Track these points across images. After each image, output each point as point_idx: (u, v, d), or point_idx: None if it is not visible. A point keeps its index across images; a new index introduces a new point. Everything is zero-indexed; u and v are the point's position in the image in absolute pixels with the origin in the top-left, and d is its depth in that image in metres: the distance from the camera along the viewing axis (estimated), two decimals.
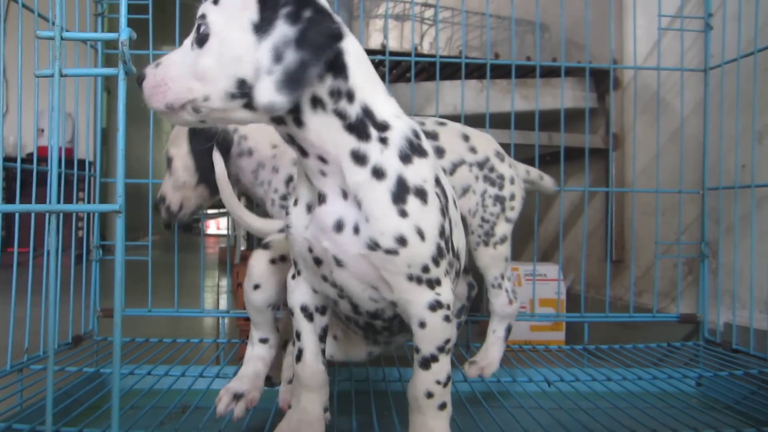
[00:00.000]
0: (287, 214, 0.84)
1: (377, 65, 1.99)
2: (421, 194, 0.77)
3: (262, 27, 0.68)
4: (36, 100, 1.28)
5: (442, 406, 0.85)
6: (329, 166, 0.76)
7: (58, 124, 0.61)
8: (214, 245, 7.11)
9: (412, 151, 0.77)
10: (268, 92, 0.66)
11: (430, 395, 0.84)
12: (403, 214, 0.75)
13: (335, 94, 0.73)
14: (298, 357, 0.90)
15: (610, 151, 2.02)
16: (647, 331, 1.78)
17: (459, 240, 0.93)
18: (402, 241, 0.76)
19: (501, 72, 1.97)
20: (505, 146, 1.88)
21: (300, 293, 0.89)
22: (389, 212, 0.75)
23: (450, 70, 1.96)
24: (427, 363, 0.84)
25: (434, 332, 0.82)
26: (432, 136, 1.29)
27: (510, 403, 1.24)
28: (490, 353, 1.33)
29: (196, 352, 1.51)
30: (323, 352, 0.91)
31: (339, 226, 0.77)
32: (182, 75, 0.73)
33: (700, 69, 1.66)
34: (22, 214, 0.72)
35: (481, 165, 1.33)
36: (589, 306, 1.69)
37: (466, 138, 1.33)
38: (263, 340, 1.10)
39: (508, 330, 1.34)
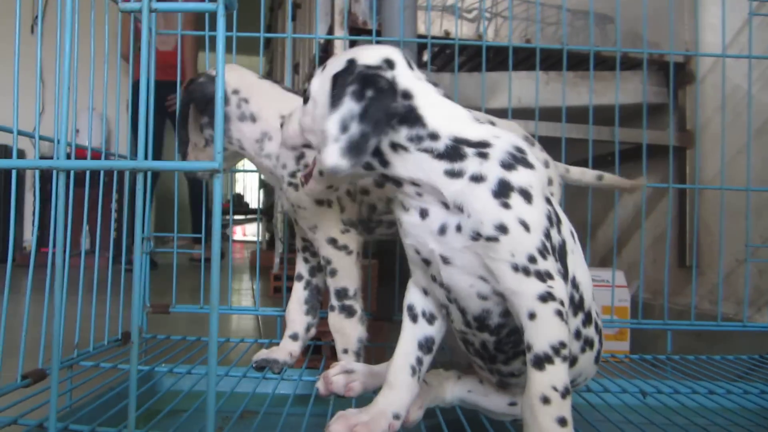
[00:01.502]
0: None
1: (441, 50, 1.90)
2: (526, 194, 0.80)
3: (332, 102, 0.80)
4: (68, 101, 1.22)
5: (562, 422, 0.76)
6: (423, 188, 0.83)
7: (147, 61, 0.52)
8: (241, 250, 7.12)
9: (515, 161, 0.82)
10: (333, 157, 0.77)
11: (546, 401, 0.76)
12: (506, 206, 0.79)
13: (415, 139, 0.81)
14: (395, 352, 0.91)
15: (696, 146, 1.89)
16: (727, 342, 1.66)
17: (579, 273, 0.90)
18: (502, 228, 0.79)
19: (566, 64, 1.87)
20: (574, 142, 1.79)
21: (410, 294, 0.93)
22: (489, 204, 0.79)
23: (514, 60, 1.86)
24: (540, 362, 0.77)
25: (546, 325, 0.78)
26: None
27: (593, 416, 1.11)
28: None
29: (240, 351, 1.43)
30: (420, 361, 0.91)
31: (443, 230, 0.82)
32: (295, 125, 0.92)
33: None
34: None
35: None
36: (656, 314, 1.58)
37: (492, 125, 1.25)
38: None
39: None
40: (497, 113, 1.74)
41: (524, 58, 1.83)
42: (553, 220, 0.84)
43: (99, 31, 1.21)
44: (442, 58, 1.92)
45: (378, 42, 1.59)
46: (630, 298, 1.90)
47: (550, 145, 1.71)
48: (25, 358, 1.01)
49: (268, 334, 1.66)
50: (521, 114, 1.74)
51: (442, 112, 0.84)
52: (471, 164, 0.81)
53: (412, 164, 0.82)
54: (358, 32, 1.73)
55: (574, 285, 0.89)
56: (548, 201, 0.85)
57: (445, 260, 0.83)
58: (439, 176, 0.81)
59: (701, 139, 1.89)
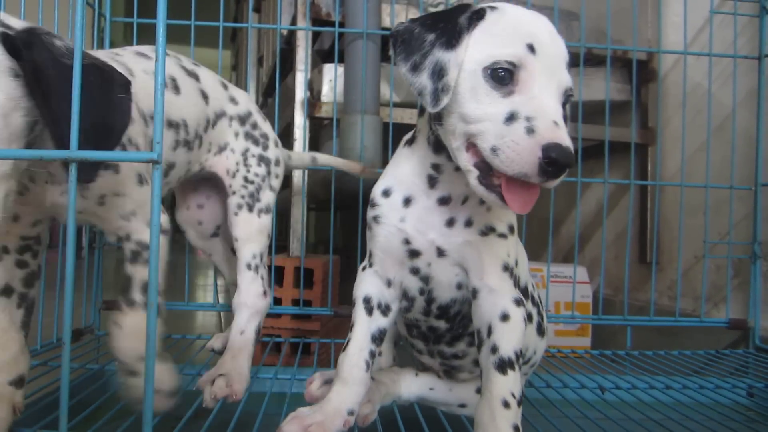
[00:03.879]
0: (373, 205, 0.86)
1: None
2: None
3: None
4: None
5: (516, 429, 0.76)
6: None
7: (80, 45, 0.49)
8: None
9: None
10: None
11: (506, 405, 0.76)
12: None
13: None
14: (345, 347, 0.88)
15: (657, 143, 1.91)
16: (685, 337, 1.68)
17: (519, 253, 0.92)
18: (512, 228, 0.83)
19: None
20: None
21: (368, 284, 0.89)
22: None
23: None
24: (504, 366, 0.77)
25: (516, 330, 0.79)
26: (192, 75, 1.12)
27: (550, 412, 1.10)
28: (239, 362, 1.08)
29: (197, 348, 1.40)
30: (372, 354, 0.88)
31: (450, 222, 0.81)
32: None
33: (754, 56, 1.55)
34: None
35: (242, 120, 1.19)
36: (617, 310, 1.59)
37: (225, 86, 1.19)
38: None
39: (259, 331, 1.15)
40: None
41: None
42: None
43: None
44: None
45: (341, 34, 1.57)
46: (592, 294, 1.91)
47: None
48: None
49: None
50: None
51: None
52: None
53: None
54: (321, 24, 1.71)
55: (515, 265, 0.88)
56: None
57: (441, 252, 0.83)
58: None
59: (663, 136, 1.91)
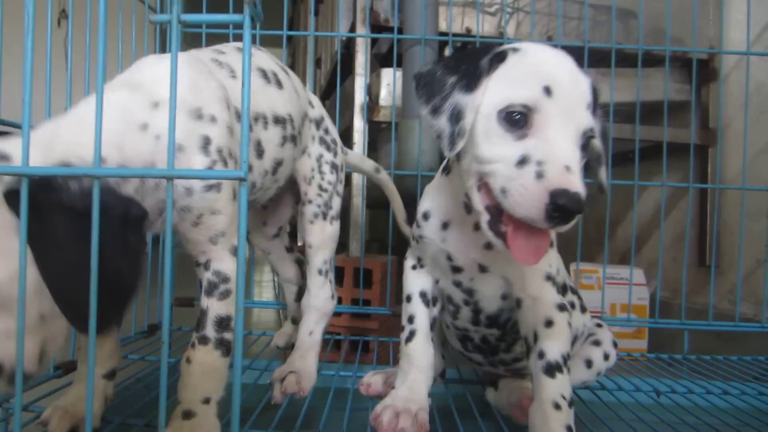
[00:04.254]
0: (417, 225, 0.92)
1: (463, 47, 1.91)
2: None
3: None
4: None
5: (569, 430, 0.79)
6: None
7: (175, 77, 0.55)
8: None
9: None
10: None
11: (557, 407, 0.79)
12: None
13: None
14: (410, 338, 0.94)
15: (718, 144, 1.88)
16: (746, 342, 1.65)
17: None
18: (551, 242, 0.84)
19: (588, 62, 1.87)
20: None
21: (421, 281, 0.95)
22: None
23: None
24: (552, 370, 0.80)
25: (561, 334, 0.82)
26: (285, 71, 1.11)
27: (604, 414, 1.13)
28: (308, 361, 1.13)
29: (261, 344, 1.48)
30: (432, 339, 0.95)
31: (489, 246, 0.83)
32: None
33: None
34: None
35: (318, 123, 1.19)
36: (675, 313, 1.58)
37: (303, 87, 1.18)
38: None
39: (324, 332, 1.18)
40: None
41: None
42: None
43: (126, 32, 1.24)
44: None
45: (399, 40, 1.61)
46: (649, 296, 1.89)
47: None
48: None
49: None
50: None
51: None
52: None
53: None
54: (379, 29, 1.75)
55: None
56: None
57: (483, 269, 0.87)
58: None
59: (724, 137, 1.88)
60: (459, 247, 0.87)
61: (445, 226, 0.88)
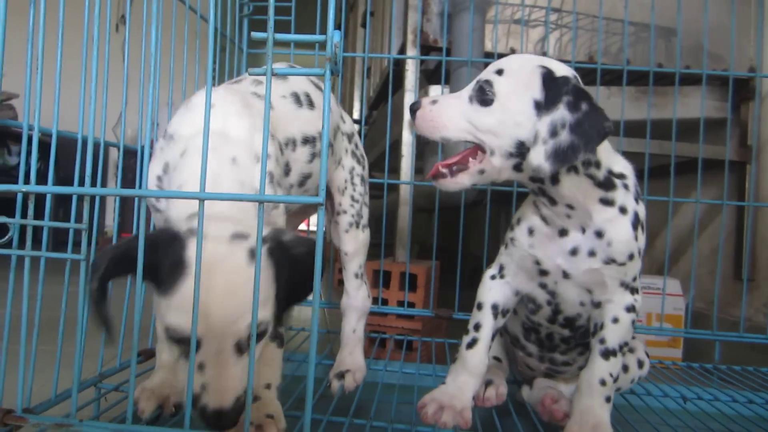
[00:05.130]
0: (511, 229, 1.01)
1: None
2: (643, 226, 0.97)
3: (545, 105, 0.85)
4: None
5: (608, 399, 0.96)
6: (576, 211, 0.93)
7: (267, 125, 0.66)
8: None
9: (638, 194, 0.96)
10: (539, 157, 0.83)
11: (603, 383, 0.95)
12: (636, 238, 0.94)
13: (586, 163, 0.90)
14: (471, 345, 1.03)
15: (752, 162, 1.92)
16: None
17: None
18: (631, 257, 0.94)
19: (628, 79, 1.93)
20: (638, 155, 1.85)
21: (497, 293, 1.04)
22: (629, 236, 0.93)
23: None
24: (608, 354, 0.96)
25: (623, 329, 0.97)
26: (319, 88, 1.15)
27: (632, 417, 1.19)
28: (356, 356, 1.26)
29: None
30: (490, 348, 1.05)
31: (574, 252, 0.94)
32: (458, 119, 0.91)
33: None
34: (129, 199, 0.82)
35: (350, 137, 1.26)
36: (710, 324, 1.63)
37: (336, 102, 1.24)
38: None
39: (365, 329, 1.29)
40: None
41: (588, 72, 1.91)
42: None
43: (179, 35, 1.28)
44: None
45: (447, 61, 1.71)
46: (685, 307, 1.94)
47: None
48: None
49: (333, 324, 1.82)
50: None
51: (604, 143, 0.91)
52: (619, 195, 0.93)
53: (576, 187, 0.90)
54: (428, 50, 1.86)
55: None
56: None
57: (566, 275, 0.97)
58: (594, 203, 0.92)
59: (762, 154, 1.92)
60: (546, 252, 0.97)
61: (531, 231, 0.98)
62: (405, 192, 1.78)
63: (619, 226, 0.92)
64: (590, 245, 0.94)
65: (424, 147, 1.98)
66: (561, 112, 0.83)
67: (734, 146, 1.99)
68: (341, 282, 1.41)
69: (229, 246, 0.74)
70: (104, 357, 1.07)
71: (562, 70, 0.89)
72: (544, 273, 0.98)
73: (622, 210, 0.93)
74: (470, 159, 0.92)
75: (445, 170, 0.93)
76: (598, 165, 0.91)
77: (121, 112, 1.12)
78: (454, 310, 1.64)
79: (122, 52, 1.24)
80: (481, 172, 0.91)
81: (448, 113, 0.91)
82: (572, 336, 1.06)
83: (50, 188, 0.81)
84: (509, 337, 1.19)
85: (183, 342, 0.74)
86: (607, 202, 0.92)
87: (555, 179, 0.90)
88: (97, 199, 0.93)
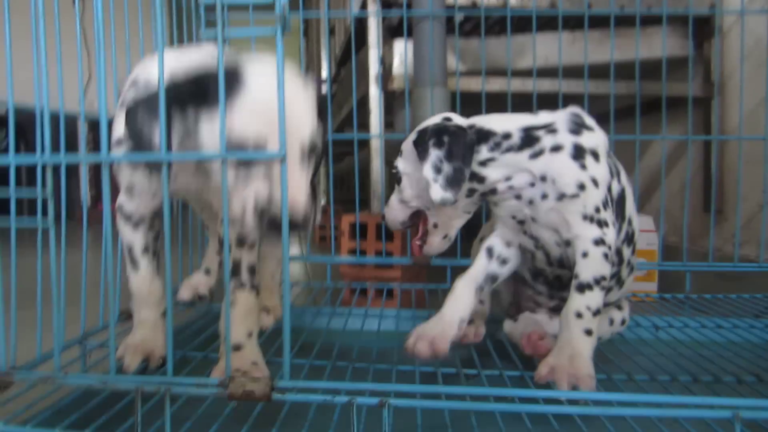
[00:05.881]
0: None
1: (467, 20, 2.00)
2: (595, 154, 1.00)
3: (422, 157, 0.99)
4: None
5: (588, 332, 0.97)
6: (515, 178, 1.02)
7: (223, 84, 0.67)
8: None
9: (578, 126, 1.01)
10: (437, 193, 0.97)
11: (579, 315, 0.97)
12: (583, 167, 0.98)
13: (495, 147, 1.01)
14: (461, 278, 1.10)
15: (715, 97, 1.95)
16: (750, 282, 1.75)
17: (633, 214, 1.11)
18: (582, 186, 0.98)
19: (591, 23, 1.93)
20: (601, 97, 1.87)
21: (492, 241, 1.12)
22: (570, 167, 0.99)
23: (539, 22, 1.94)
24: (582, 288, 0.98)
25: (594, 262, 0.98)
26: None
27: (608, 349, 1.23)
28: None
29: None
30: (481, 287, 1.10)
31: (531, 201, 1.02)
32: (396, 206, 1.12)
33: None
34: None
35: None
36: (682, 257, 1.67)
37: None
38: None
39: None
40: (525, 73, 1.85)
41: (550, 19, 1.91)
42: (613, 172, 1.04)
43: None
44: (472, 22, 2.01)
45: (409, 16, 1.70)
46: (660, 241, 1.98)
47: (576, 101, 1.80)
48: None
49: (315, 277, 1.87)
50: (548, 73, 1.83)
51: (499, 119, 1.05)
52: (546, 140, 1.00)
53: (503, 167, 1.01)
54: (389, 6, 1.84)
55: (630, 223, 1.09)
56: (609, 155, 1.04)
57: (534, 220, 1.04)
58: (526, 161, 1.00)
59: (727, 89, 1.95)
60: (515, 210, 1.05)
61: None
62: (376, 145, 1.79)
63: (556, 162, 0.99)
64: (541, 191, 1.01)
65: (392, 101, 1.98)
66: (433, 153, 0.98)
67: (699, 83, 2.02)
68: (322, 238, 1.44)
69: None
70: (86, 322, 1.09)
71: (433, 122, 1.05)
72: (521, 222, 1.06)
73: (555, 148, 0.99)
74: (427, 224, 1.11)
75: (419, 243, 1.13)
76: (507, 136, 1.01)
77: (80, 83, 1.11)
78: (431, 257, 1.67)
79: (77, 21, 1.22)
80: (435, 226, 1.10)
81: (392, 207, 1.12)
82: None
83: (11, 158, 0.81)
84: (518, 280, 1.23)
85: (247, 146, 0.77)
86: (536, 154, 1.00)
87: (481, 179, 1.02)
88: (63, 167, 0.93)
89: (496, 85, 1.86)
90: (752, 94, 1.78)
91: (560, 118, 1.03)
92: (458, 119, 1.06)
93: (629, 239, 1.10)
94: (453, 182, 0.97)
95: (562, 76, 1.65)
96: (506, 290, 1.27)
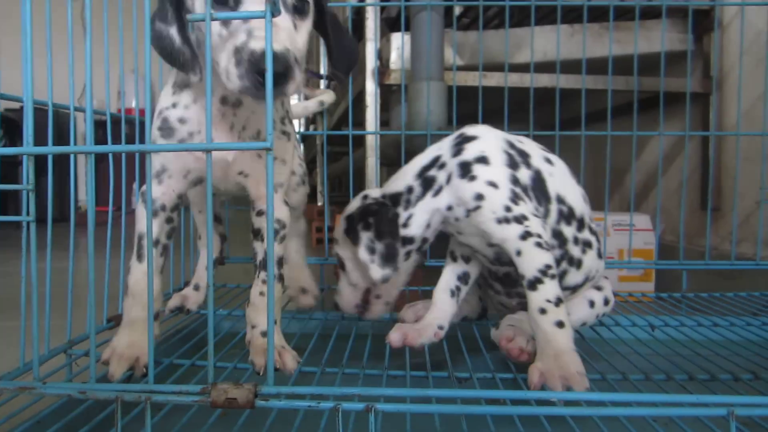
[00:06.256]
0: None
1: (467, 10, 1.98)
2: (482, 159, 1.03)
3: (354, 242, 1.07)
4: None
5: (560, 324, 0.95)
6: (433, 219, 1.09)
7: (210, 65, 0.65)
8: None
9: (459, 144, 1.06)
10: (376, 272, 1.05)
11: (543, 311, 0.96)
12: (472, 179, 1.02)
13: (407, 206, 1.09)
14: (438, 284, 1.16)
15: (714, 93, 1.93)
16: (747, 280, 1.74)
17: (563, 190, 1.09)
18: (480, 197, 1.01)
19: (590, 15, 1.91)
20: (599, 93, 1.85)
21: (451, 244, 1.18)
22: (463, 186, 1.03)
23: (537, 15, 1.92)
24: (533, 285, 0.97)
25: (530, 256, 0.98)
26: None
27: (603, 348, 1.22)
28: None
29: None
30: (458, 288, 1.17)
31: (456, 219, 1.07)
32: (347, 287, 1.19)
33: None
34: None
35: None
36: (679, 256, 1.65)
37: None
38: None
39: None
40: (523, 68, 1.82)
41: (550, 12, 1.89)
42: (517, 162, 1.05)
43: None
44: (470, 15, 1.99)
45: (407, 7, 1.68)
46: (657, 240, 1.97)
47: (574, 97, 1.79)
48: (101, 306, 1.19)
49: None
50: (547, 67, 1.81)
51: (397, 177, 1.13)
52: (440, 175, 1.06)
53: (419, 216, 1.08)
54: None
55: (560, 201, 1.08)
56: (511, 145, 1.07)
57: (460, 233, 1.10)
58: (433, 202, 1.07)
59: (726, 85, 1.93)
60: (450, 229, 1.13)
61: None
62: (371, 140, 1.77)
63: (452, 188, 1.05)
64: (454, 214, 1.07)
65: (389, 96, 1.96)
66: (364, 236, 1.05)
67: (698, 78, 2.00)
68: (319, 241, 1.44)
69: None
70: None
71: (352, 208, 1.12)
72: (459, 234, 1.12)
73: (448, 179, 1.05)
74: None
75: (360, 311, 1.21)
76: (410, 190, 1.08)
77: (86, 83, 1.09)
78: (426, 258, 1.65)
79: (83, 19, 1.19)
80: (378, 296, 1.19)
81: (344, 294, 1.20)
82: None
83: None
84: (483, 284, 1.26)
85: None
86: (438, 191, 1.07)
87: (409, 240, 1.09)
88: (50, 159, 0.91)
89: (493, 80, 1.84)
90: (751, 89, 1.76)
91: (445, 146, 1.09)
92: (374, 193, 1.12)
93: (566, 217, 1.09)
94: (388, 258, 1.04)
95: (560, 71, 1.63)
96: (473, 296, 1.32)
